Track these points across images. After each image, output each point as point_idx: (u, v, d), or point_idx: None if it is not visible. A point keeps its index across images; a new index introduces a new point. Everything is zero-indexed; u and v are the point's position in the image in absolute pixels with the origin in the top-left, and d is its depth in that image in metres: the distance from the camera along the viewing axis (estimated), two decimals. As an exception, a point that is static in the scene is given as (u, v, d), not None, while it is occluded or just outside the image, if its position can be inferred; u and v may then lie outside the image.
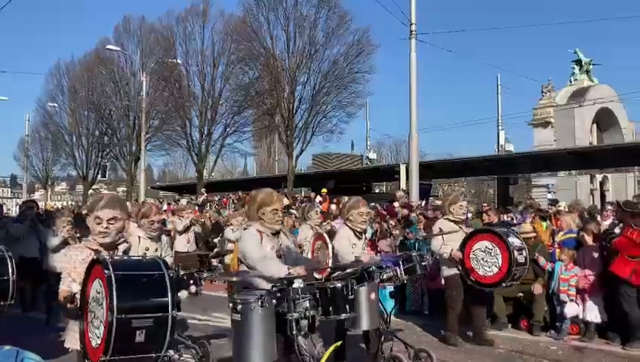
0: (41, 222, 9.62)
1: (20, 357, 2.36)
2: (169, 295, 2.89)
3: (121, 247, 3.58)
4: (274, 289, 4.08)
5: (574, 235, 7.90)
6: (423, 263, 5.63)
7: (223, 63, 32.68)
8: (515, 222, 10.91)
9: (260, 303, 3.80)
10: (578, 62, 37.38)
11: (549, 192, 29.20)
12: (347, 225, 5.68)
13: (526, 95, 79.61)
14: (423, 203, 16.39)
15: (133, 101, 36.23)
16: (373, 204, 17.10)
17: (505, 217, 11.84)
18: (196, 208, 18.50)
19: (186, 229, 11.13)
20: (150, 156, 39.52)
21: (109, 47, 34.20)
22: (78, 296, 3.19)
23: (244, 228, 4.73)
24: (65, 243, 8.68)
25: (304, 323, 3.95)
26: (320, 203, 19.10)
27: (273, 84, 29.53)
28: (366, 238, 5.97)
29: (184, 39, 33.79)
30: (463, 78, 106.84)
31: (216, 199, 27.30)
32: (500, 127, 35.53)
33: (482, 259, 6.40)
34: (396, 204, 14.65)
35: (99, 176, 41.00)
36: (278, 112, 30.03)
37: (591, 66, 37.43)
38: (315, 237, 6.86)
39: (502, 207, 17.15)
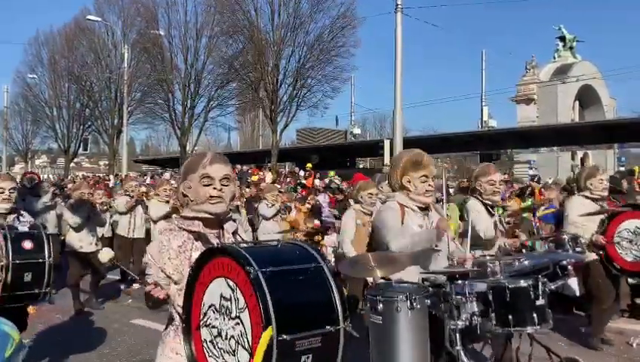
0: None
1: None
2: (336, 298, 1.99)
3: (229, 227, 2.50)
4: (426, 283, 3.21)
5: (553, 210, 8.04)
6: (577, 249, 4.55)
7: (206, 35, 32.21)
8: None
9: (409, 303, 2.94)
10: (562, 38, 37.51)
11: (531, 168, 29.55)
12: (476, 197, 4.46)
13: (510, 71, 79.88)
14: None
15: (114, 73, 35.68)
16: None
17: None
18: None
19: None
20: (132, 129, 39.22)
21: (89, 17, 33.50)
22: (178, 302, 2.26)
23: (383, 202, 3.89)
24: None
25: (469, 333, 3.00)
26: (305, 178, 19.15)
27: (257, 58, 29.22)
28: (499, 216, 4.71)
29: (167, 10, 33.19)
30: (447, 54, 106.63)
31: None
32: (483, 103, 35.68)
33: (631, 241, 5.18)
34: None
35: (80, 149, 40.55)
36: (262, 86, 29.79)
37: (575, 43, 37.59)
38: None
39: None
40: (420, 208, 3.46)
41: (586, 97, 36.91)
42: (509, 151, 33.83)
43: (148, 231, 9.17)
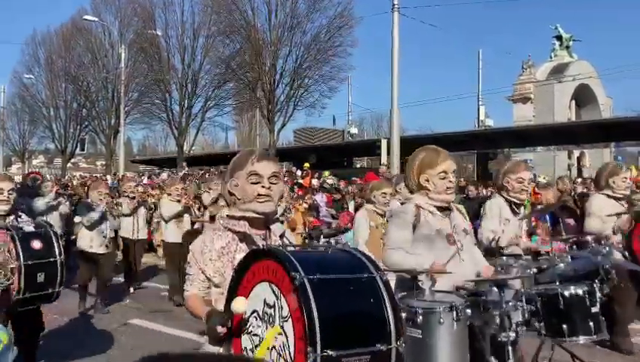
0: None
1: None
2: (389, 314, 1.76)
3: (276, 229, 2.37)
4: (463, 292, 2.90)
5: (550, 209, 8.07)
6: (604, 250, 3.94)
7: (203, 35, 32.24)
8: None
9: (454, 314, 2.62)
10: (559, 37, 37.57)
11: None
12: (502, 194, 4.26)
13: (506, 70, 80.00)
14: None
15: (111, 73, 35.62)
16: (354, 178, 17.23)
17: (485, 192, 12.03)
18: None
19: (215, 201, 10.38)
20: (130, 129, 39.08)
21: (86, 17, 33.44)
22: (219, 306, 2.12)
23: (402, 203, 3.59)
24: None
25: (517, 343, 2.69)
26: (302, 178, 19.16)
27: (254, 57, 29.23)
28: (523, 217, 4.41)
29: (164, 10, 33.22)
30: (444, 53, 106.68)
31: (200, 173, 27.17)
32: (480, 103, 35.72)
33: None
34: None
35: (77, 149, 40.46)
36: (259, 86, 29.80)
37: (571, 42, 37.66)
38: None
39: (481, 181, 17.38)
40: (439, 209, 3.16)
41: (583, 96, 36.98)
42: (506, 150, 33.91)
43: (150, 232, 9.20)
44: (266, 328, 1.81)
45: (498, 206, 4.21)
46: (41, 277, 3.92)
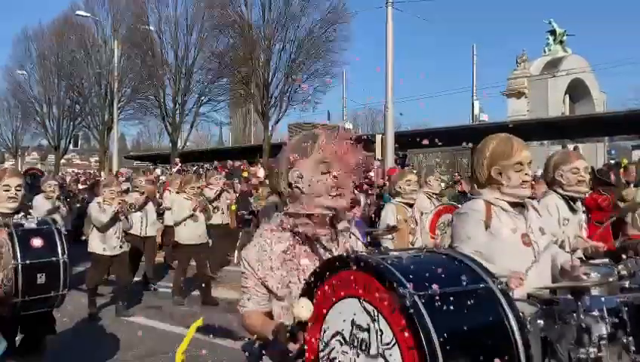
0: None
1: None
2: (514, 330, 1.48)
3: (344, 228, 2.03)
4: (534, 300, 2.50)
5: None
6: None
7: (197, 30, 32.06)
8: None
9: (527, 325, 2.12)
10: (552, 32, 37.58)
11: None
12: (556, 190, 3.77)
13: (501, 65, 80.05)
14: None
15: (104, 69, 35.41)
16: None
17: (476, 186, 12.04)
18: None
19: (217, 197, 9.87)
20: (123, 125, 38.98)
21: (78, 12, 33.21)
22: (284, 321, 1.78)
23: (469, 199, 3.07)
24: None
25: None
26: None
27: (248, 53, 29.11)
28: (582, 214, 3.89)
29: (156, 5, 32.98)
30: (438, 48, 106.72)
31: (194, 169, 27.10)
32: (474, 98, 35.73)
33: None
34: (372, 174, 14.75)
35: (71, 145, 40.25)
36: (253, 81, 29.70)
37: (565, 37, 37.67)
38: (440, 211, 5.62)
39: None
40: (512, 205, 2.74)
41: (577, 91, 37.02)
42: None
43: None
44: (357, 355, 1.48)
45: (555, 204, 3.69)
46: (41, 279, 3.57)
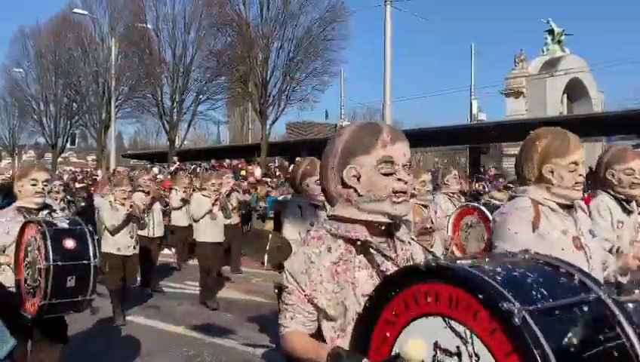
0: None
1: None
2: (635, 346, 1.26)
3: (404, 235, 1.75)
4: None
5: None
6: None
7: (194, 29, 32.02)
8: (485, 190, 11.10)
9: None
10: (550, 32, 37.59)
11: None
12: (607, 191, 3.50)
13: (499, 65, 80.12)
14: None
15: (102, 67, 35.33)
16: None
17: (476, 186, 12.03)
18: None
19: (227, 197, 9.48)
20: (121, 124, 38.86)
21: (76, 10, 33.13)
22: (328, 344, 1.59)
23: (510, 198, 2.74)
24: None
25: None
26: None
27: (246, 51, 29.05)
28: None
29: (154, 3, 32.93)
30: (436, 47, 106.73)
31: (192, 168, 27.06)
32: (472, 97, 35.73)
33: None
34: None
35: (68, 144, 40.16)
36: (251, 80, 29.65)
37: (563, 36, 37.69)
38: (462, 212, 5.33)
39: (473, 175, 17.38)
40: (561, 206, 2.50)
41: (575, 91, 37.05)
42: (499, 144, 33.96)
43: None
44: None
45: (606, 206, 3.40)
46: (71, 282, 3.40)
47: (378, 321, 1.40)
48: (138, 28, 32.00)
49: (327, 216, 1.73)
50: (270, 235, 3.69)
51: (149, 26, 32.30)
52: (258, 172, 19.54)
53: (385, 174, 1.61)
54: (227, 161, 25.74)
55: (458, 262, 1.35)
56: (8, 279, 3.60)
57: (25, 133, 44.79)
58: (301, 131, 44.31)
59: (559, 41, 37.52)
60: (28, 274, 3.45)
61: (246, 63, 29.29)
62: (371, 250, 1.63)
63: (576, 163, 2.49)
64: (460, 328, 1.23)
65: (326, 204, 3.56)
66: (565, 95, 36.98)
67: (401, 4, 19.15)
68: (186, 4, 32.17)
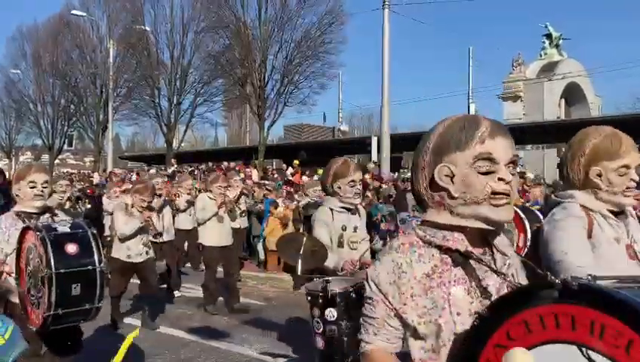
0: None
1: None
2: None
3: (502, 244, 1.51)
4: None
5: (538, 207, 8.07)
6: None
7: (192, 31, 31.98)
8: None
9: None
10: (548, 36, 37.68)
11: (518, 165, 29.68)
12: None
13: (497, 68, 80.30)
14: (395, 175, 16.50)
15: (100, 69, 35.26)
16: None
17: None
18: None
19: (237, 200, 9.23)
20: (118, 126, 38.83)
21: (74, 11, 33.08)
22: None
23: (556, 204, 2.44)
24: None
25: None
26: (292, 175, 19.06)
27: (244, 54, 29.04)
28: None
29: (152, 5, 32.87)
30: (434, 51, 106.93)
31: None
32: (470, 100, 35.77)
33: None
34: (367, 176, 14.73)
35: (65, 145, 40.05)
36: (249, 82, 29.63)
37: (561, 41, 37.79)
38: None
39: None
40: (611, 212, 2.31)
41: (572, 95, 37.13)
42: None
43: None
44: None
45: None
46: (76, 290, 3.20)
47: (487, 345, 1.22)
48: (136, 30, 31.97)
49: (420, 221, 1.53)
50: (305, 238, 3.58)
51: (147, 27, 32.27)
52: (255, 174, 19.50)
53: (483, 173, 1.40)
54: (225, 163, 25.70)
55: (597, 282, 1.16)
56: (11, 290, 3.43)
57: (22, 134, 44.70)
58: (299, 134, 44.35)
59: (557, 45, 37.62)
60: (31, 284, 3.26)
61: (244, 66, 29.28)
62: (471, 262, 1.42)
63: (627, 166, 2.26)
64: (603, 360, 1.06)
65: (359, 207, 3.56)
66: (563, 99, 37.06)
67: (399, 7, 19.17)
68: (184, 6, 32.21)
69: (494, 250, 1.48)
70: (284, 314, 7.26)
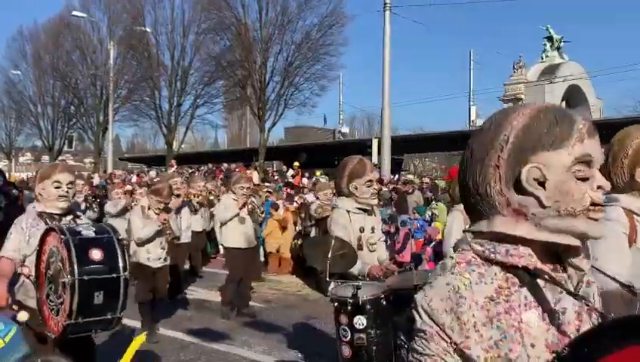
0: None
1: None
2: None
3: (582, 262, 1.18)
4: None
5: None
6: None
7: (193, 32, 32.00)
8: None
9: None
10: (549, 38, 37.69)
11: None
12: None
13: (498, 71, 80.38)
14: (395, 177, 16.44)
15: (100, 70, 35.25)
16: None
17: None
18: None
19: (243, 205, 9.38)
20: (118, 127, 38.86)
21: (74, 13, 33.06)
22: None
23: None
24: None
25: None
26: (292, 177, 19.01)
27: (245, 55, 29.03)
28: None
29: (153, 6, 32.92)
30: (435, 53, 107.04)
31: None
32: (471, 103, 35.78)
33: None
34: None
35: (65, 146, 40.02)
36: (249, 84, 29.62)
37: (562, 43, 37.80)
38: None
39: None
40: None
41: (573, 97, 37.13)
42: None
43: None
44: None
45: None
46: (99, 298, 3.03)
47: None
48: (137, 31, 31.97)
49: (473, 233, 1.21)
50: (333, 241, 3.41)
51: (147, 29, 32.26)
52: (256, 177, 19.44)
53: (581, 179, 1.13)
54: (225, 165, 25.65)
55: None
56: (29, 292, 3.30)
57: (22, 135, 44.66)
58: (299, 135, 44.36)
59: (558, 48, 37.63)
60: (50, 289, 3.09)
61: (244, 67, 29.27)
62: (540, 282, 1.14)
63: None
64: None
65: (375, 208, 3.35)
66: (564, 101, 37.04)
67: (400, 9, 19.15)
68: (185, 7, 32.22)
69: (566, 266, 1.19)
70: (283, 316, 7.21)
